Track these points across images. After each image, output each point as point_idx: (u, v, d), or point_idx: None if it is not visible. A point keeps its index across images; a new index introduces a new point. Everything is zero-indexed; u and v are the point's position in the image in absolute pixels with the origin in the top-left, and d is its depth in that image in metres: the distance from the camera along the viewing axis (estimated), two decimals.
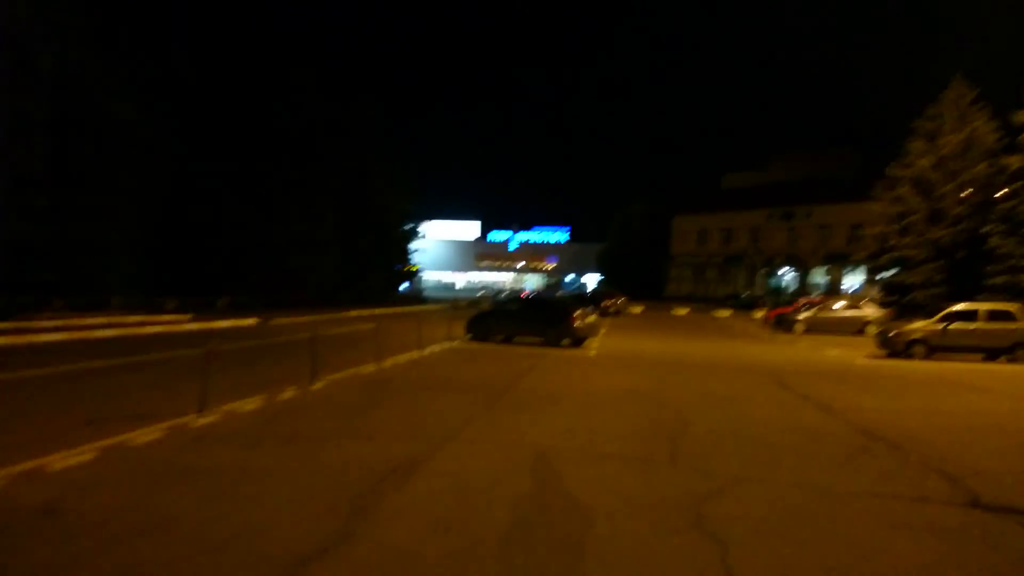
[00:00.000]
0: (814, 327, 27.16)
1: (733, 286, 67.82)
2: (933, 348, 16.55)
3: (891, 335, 17.07)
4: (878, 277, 35.02)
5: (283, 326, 23.55)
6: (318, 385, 10.37)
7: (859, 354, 18.27)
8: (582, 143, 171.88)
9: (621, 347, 18.72)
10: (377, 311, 37.76)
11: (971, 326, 16.38)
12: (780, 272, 67.47)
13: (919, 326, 16.81)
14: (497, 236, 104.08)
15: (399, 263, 54.08)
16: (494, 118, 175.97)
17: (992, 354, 16.59)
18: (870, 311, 27.67)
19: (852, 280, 62.62)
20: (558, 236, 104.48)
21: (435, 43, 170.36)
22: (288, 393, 9.61)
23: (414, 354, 15.59)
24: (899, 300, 31.18)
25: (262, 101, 36.78)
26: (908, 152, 32.34)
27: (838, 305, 28.60)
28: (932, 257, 30.69)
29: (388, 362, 13.71)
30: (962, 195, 29.97)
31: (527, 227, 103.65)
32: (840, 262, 62.44)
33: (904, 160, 32.48)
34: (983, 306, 16.74)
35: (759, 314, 41.69)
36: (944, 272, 30.12)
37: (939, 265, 30.38)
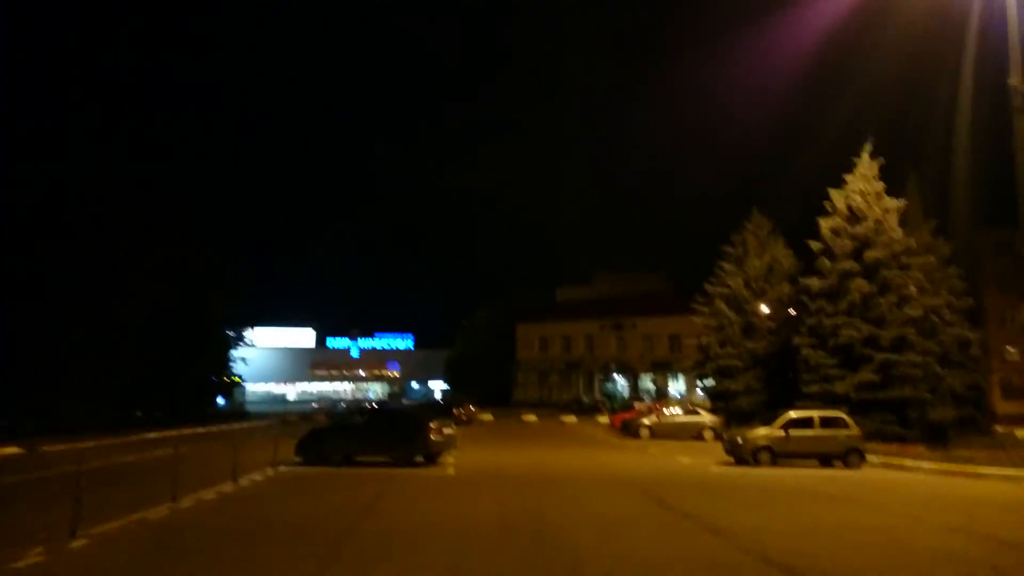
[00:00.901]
0: (658, 432, 27.63)
1: (575, 391, 69.91)
2: (776, 455, 16.95)
3: (739, 443, 17.31)
4: (702, 384, 37.31)
5: (58, 455, 18.85)
6: (77, 544, 7.50)
7: (709, 461, 18.30)
8: (424, 250, 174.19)
9: (480, 461, 17.08)
10: (184, 431, 32.55)
11: (809, 433, 17.11)
12: (614, 378, 71.06)
13: (763, 433, 17.25)
14: (336, 343, 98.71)
15: (217, 375, 48.13)
16: (333, 222, 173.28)
17: (826, 459, 17.33)
18: (706, 417, 28.86)
19: (676, 385, 67.44)
20: (401, 343, 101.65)
21: (269, 133, 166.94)
22: (30, 558, 6.76)
23: (227, 486, 12.70)
24: (726, 406, 33.09)
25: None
26: (721, 272, 35.79)
27: (675, 411, 29.59)
28: (750, 366, 33.31)
29: (188, 501, 10.83)
30: (768, 312, 33.34)
31: (368, 334, 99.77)
32: (664, 369, 67.36)
33: (718, 279, 35.85)
34: (816, 414, 17.69)
35: (603, 419, 42.46)
36: (762, 380, 32.66)
37: (757, 373, 32.97)
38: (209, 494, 11.74)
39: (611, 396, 67.65)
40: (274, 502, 10.88)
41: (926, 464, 17.19)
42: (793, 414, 17.59)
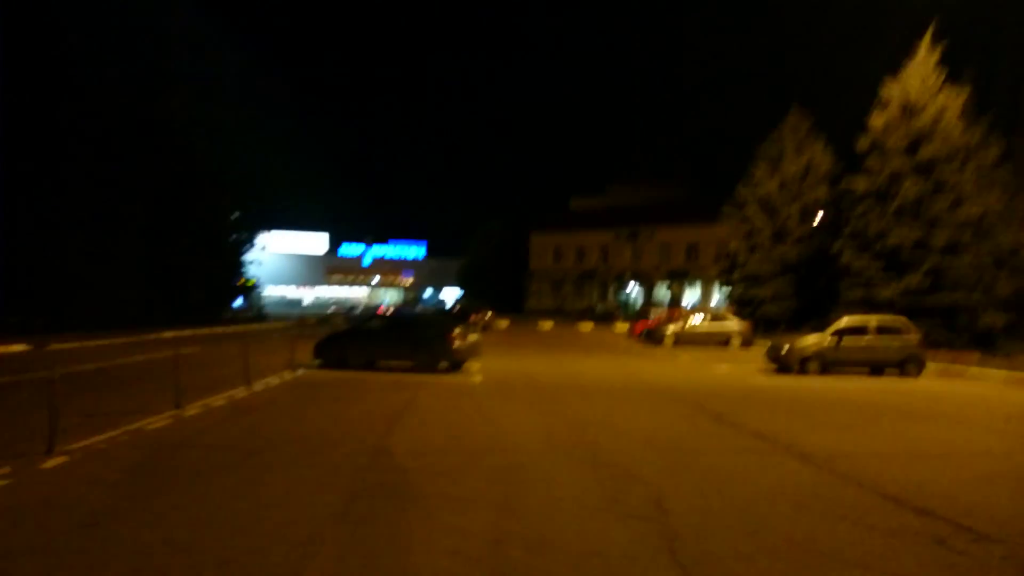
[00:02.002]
0: (682, 340, 26.63)
1: (588, 300, 69.35)
2: (827, 364, 15.78)
3: (784, 352, 16.10)
4: (727, 291, 35.98)
5: (63, 353, 18.06)
6: (52, 462, 6.40)
7: (748, 369, 17.22)
8: (436, 158, 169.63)
9: (507, 369, 16.05)
10: (200, 331, 32.01)
11: (862, 341, 15.83)
12: (628, 287, 70.18)
13: (812, 341, 16.00)
14: (349, 250, 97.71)
15: (232, 277, 47.43)
16: (344, 127, 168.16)
17: (878, 368, 16.15)
18: (733, 324, 27.69)
19: (692, 294, 66.50)
20: (414, 251, 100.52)
21: (277, 38, 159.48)
22: None
23: (239, 391, 11.71)
24: (752, 313, 31.91)
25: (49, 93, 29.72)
26: (753, 175, 33.50)
27: (698, 318, 28.38)
28: (780, 272, 31.79)
29: (194, 408, 9.80)
30: (806, 217, 31.36)
31: (382, 241, 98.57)
32: (681, 278, 66.18)
33: (750, 183, 33.61)
34: (872, 320, 16.32)
35: (621, 327, 41.66)
36: (793, 286, 31.26)
37: (787, 280, 31.52)
38: (219, 400, 10.75)
39: (625, 305, 67.04)
40: (289, 412, 9.82)
41: (992, 372, 15.97)
42: (848, 321, 16.24)
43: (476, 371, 15.58)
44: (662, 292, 67.48)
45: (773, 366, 16.89)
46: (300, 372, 14.88)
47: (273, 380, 13.48)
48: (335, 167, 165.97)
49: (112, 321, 31.06)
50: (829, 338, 15.87)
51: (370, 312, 40.83)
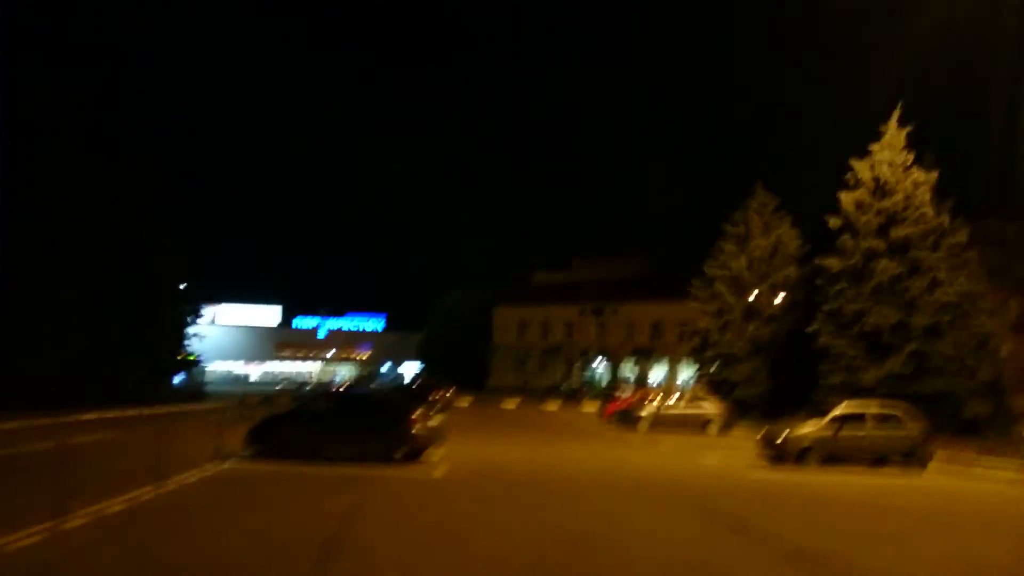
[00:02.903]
0: (658, 424, 24.95)
1: (552, 376, 67.64)
2: (826, 455, 14.32)
3: (780, 441, 14.62)
4: (702, 372, 34.82)
5: None
6: None
7: (740, 460, 15.61)
8: (397, 229, 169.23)
9: (472, 459, 14.06)
10: (128, 412, 28.89)
11: (861, 431, 14.51)
12: (594, 364, 68.99)
13: (808, 431, 14.60)
14: (303, 323, 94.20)
15: (170, 353, 44.15)
16: (299, 193, 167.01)
17: (878, 460, 14.74)
18: (710, 408, 26.26)
19: (657, 373, 65.54)
20: (373, 323, 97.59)
21: (229, 97, 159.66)
22: None
23: (145, 491, 9.47)
24: (727, 395, 30.67)
25: None
26: (720, 253, 33.21)
27: (673, 400, 26.95)
28: (752, 354, 30.89)
29: (78, 517, 7.61)
30: (776, 296, 30.86)
31: (339, 313, 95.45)
32: (646, 356, 65.36)
33: (718, 260, 33.26)
34: (871, 406, 15.10)
35: (588, 407, 39.83)
36: (766, 369, 30.29)
37: (759, 362, 30.59)
38: (116, 504, 8.53)
39: (591, 382, 65.45)
40: (197, 524, 7.71)
41: (999, 473, 14.70)
42: (843, 408, 14.96)
43: (438, 460, 13.57)
44: (628, 369, 66.39)
45: (765, 456, 15.33)
46: (228, 464, 12.61)
47: (192, 475, 11.22)
48: (289, 235, 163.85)
49: (34, 400, 27.73)
50: (827, 426, 14.50)
51: (322, 389, 37.99)
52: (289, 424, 13.75)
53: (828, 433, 14.39)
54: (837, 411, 14.82)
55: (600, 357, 67.30)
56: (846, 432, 14.41)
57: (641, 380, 63.56)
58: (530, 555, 6.56)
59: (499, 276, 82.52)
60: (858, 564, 6.47)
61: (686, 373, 61.70)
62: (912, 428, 14.74)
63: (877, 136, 24.36)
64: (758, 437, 15.92)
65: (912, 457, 14.48)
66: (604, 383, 64.47)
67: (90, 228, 33.90)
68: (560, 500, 9.64)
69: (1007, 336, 25.35)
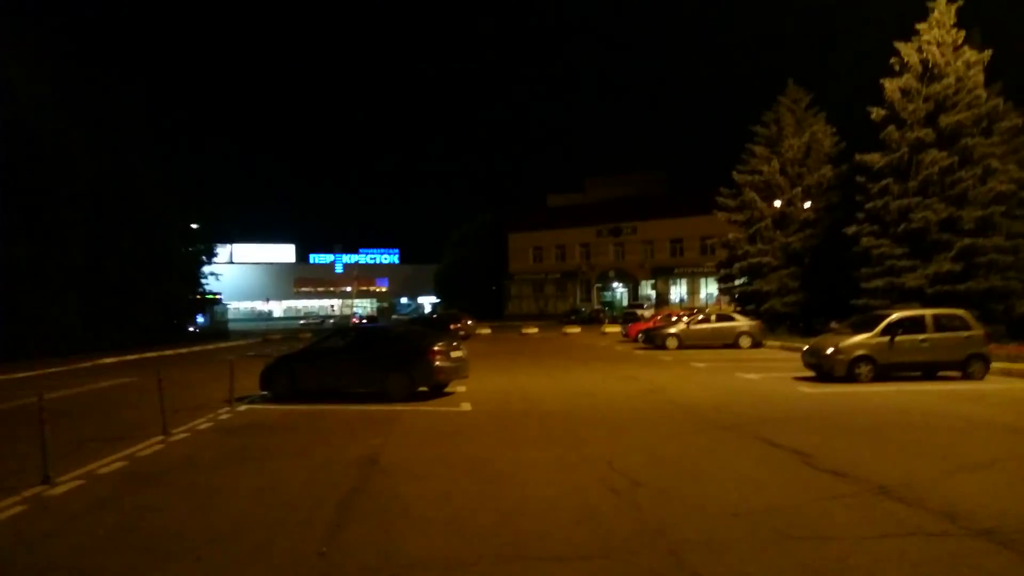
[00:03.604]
0: (686, 342, 24.09)
1: (571, 301, 66.83)
2: (880, 367, 13.24)
3: (828, 353, 13.52)
4: (727, 285, 33.55)
5: None
6: None
7: (782, 377, 14.63)
8: (405, 161, 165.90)
9: (499, 390, 13.23)
10: (147, 355, 28.63)
11: (919, 337, 13.33)
12: (613, 286, 67.99)
13: (860, 340, 13.44)
14: (319, 259, 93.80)
15: (189, 292, 43.87)
16: (308, 132, 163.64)
17: (932, 370, 13.66)
18: (742, 322, 25.22)
19: (678, 290, 64.41)
20: (388, 258, 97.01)
21: (237, 37, 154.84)
22: None
23: (150, 443, 8.73)
24: (756, 309, 29.55)
25: None
26: (749, 159, 31.17)
27: (701, 317, 25.93)
28: (784, 263, 29.48)
29: (70, 479, 6.83)
30: (809, 201, 29.07)
31: (352, 250, 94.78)
32: (666, 275, 64.04)
33: (747, 166, 31.26)
34: (928, 314, 13.84)
35: (609, 328, 39.08)
36: (799, 278, 28.95)
37: (793, 271, 29.20)
38: (115, 462, 7.79)
39: (610, 305, 64.63)
40: (202, 481, 6.87)
41: None
42: (898, 315, 13.73)
43: (464, 394, 12.75)
44: (648, 289, 65.26)
45: (809, 372, 14.33)
46: (242, 408, 11.89)
47: (202, 423, 10.49)
48: (300, 174, 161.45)
49: (49, 347, 27.53)
50: (879, 337, 13.33)
51: (344, 323, 37.35)
52: (305, 363, 12.93)
53: (884, 341, 13.24)
54: (893, 316, 13.61)
55: (618, 279, 66.16)
56: (901, 342, 13.25)
57: (662, 299, 62.58)
58: (575, 504, 5.61)
59: (512, 203, 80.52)
60: (958, 500, 5.43)
61: (709, 289, 60.62)
62: (974, 335, 13.53)
63: (908, 24, 21.92)
64: (804, 349, 14.84)
65: (972, 364, 13.35)
66: (624, 304, 63.69)
67: (93, 170, 32.90)
68: (603, 434, 8.70)
69: None
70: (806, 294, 28.55)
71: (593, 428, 9.08)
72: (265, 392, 12.84)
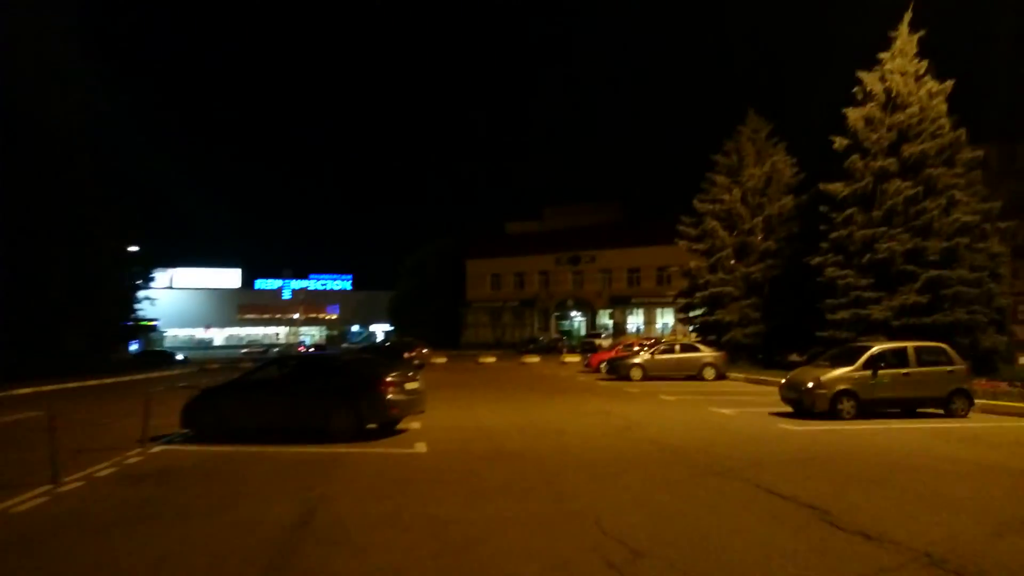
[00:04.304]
0: (651, 372, 23.24)
1: (529, 329, 65.81)
2: (863, 403, 12.46)
3: (810, 386, 12.69)
4: (687, 315, 33.02)
5: None
6: None
7: (757, 412, 13.76)
8: (357, 186, 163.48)
9: (458, 427, 11.86)
10: (67, 385, 26.06)
11: (902, 371, 12.66)
12: (571, 315, 67.43)
13: (842, 374, 12.68)
14: (266, 284, 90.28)
15: (121, 318, 40.96)
16: (256, 157, 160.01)
17: (913, 407, 12.98)
18: (707, 353, 24.54)
19: (635, 320, 64.20)
20: (339, 284, 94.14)
21: (187, 56, 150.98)
22: None
23: (32, 496, 7.09)
24: (717, 340, 29.01)
25: None
26: (710, 188, 31.01)
27: (663, 347, 25.22)
28: (745, 293, 29.14)
29: None
30: (770, 232, 28.95)
31: (302, 275, 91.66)
32: (623, 304, 63.83)
33: (708, 195, 31.07)
34: (911, 345, 13.21)
35: (569, 358, 38.10)
36: (761, 309, 28.59)
37: (753, 302, 28.85)
38: None
39: (568, 334, 63.86)
40: (78, 550, 5.32)
41: None
42: (879, 348, 13.06)
43: (419, 430, 11.34)
44: (604, 319, 64.85)
45: (785, 407, 13.48)
46: (156, 450, 10.19)
47: (104, 469, 8.80)
48: (246, 198, 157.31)
49: None
50: (862, 370, 12.60)
51: (274, 356, 34.95)
52: (233, 396, 11.31)
53: (866, 375, 12.50)
54: (875, 349, 12.91)
55: (576, 308, 65.58)
56: (885, 374, 12.55)
57: (619, 329, 62.20)
58: None
59: (469, 230, 79.47)
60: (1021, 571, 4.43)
61: (665, 319, 60.55)
62: (957, 369, 12.96)
63: (867, 56, 22.11)
64: (781, 382, 14.01)
65: (955, 400, 12.73)
66: (582, 333, 63.02)
67: (21, 188, 30.51)
68: (584, 482, 7.47)
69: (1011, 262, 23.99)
70: (767, 325, 28.17)
71: (571, 474, 7.85)
72: (187, 430, 11.16)
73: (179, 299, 77.64)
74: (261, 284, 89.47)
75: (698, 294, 30.68)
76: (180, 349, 58.35)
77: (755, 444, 9.93)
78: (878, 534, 5.33)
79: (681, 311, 33.93)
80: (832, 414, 12.39)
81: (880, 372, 12.55)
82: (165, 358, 47.06)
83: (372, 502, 6.71)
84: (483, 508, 6.33)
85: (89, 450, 10.06)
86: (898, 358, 12.82)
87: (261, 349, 62.40)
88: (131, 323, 43.87)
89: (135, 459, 9.48)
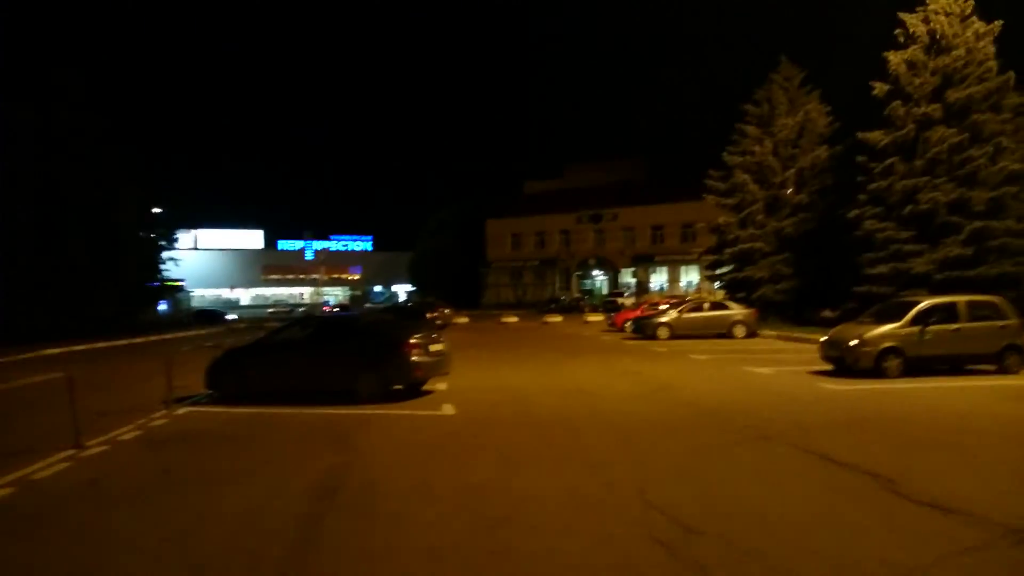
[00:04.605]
0: (678, 332, 22.69)
1: (550, 289, 65.29)
2: (910, 360, 11.87)
3: (852, 345, 12.10)
4: (718, 272, 32.23)
5: None
6: None
7: (796, 370, 13.24)
8: (377, 147, 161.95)
9: (485, 389, 11.53)
10: (97, 345, 26.34)
11: (951, 327, 11.99)
12: (593, 274, 66.71)
13: (888, 331, 12.06)
14: (288, 245, 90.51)
15: (148, 278, 41.30)
16: (281, 120, 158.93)
17: (962, 363, 12.35)
18: (736, 310, 23.89)
19: (657, 279, 63.29)
20: (360, 245, 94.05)
21: (209, 20, 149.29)
22: None
23: (50, 464, 6.91)
24: (747, 297, 28.28)
25: None
26: (740, 139, 29.78)
27: (691, 304, 24.63)
28: (776, 249, 28.22)
29: None
30: (803, 184, 27.81)
31: (323, 236, 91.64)
32: (646, 263, 62.84)
33: (738, 146, 29.87)
34: (961, 301, 12.50)
35: (592, 317, 37.65)
36: (793, 264, 27.70)
37: (785, 257, 27.95)
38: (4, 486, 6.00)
39: (590, 293, 63.26)
40: (96, 522, 5.09)
41: None
42: (927, 303, 12.38)
43: (445, 392, 11.05)
44: (627, 278, 64.03)
45: (825, 365, 12.94)
46: (181, 411, 10.04)
47: (128, 432, 8.64)
48: (271, 158, 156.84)
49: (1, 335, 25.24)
50: (909, 327, 11.96)
51: (297, 316, 34.99)
52: (257, 358, 11.10)
53: (914, 331, 11.87)
54: (923, 304, 12.24)
55: (598, 267, 64.74)
56: (933, 330, 11.91)
57: (643, 287, 61.38)
58: (621, 561, 3.98)
59: (490, 190, 78.35)
60: None
61: (689, 278, 59.60)
62: (1011, 319, 12.26)
63: (895, 8, 20.62)
64: (822, 339, 13.41)
65: (1008, 356, 12.06)
66: (604, 292, 62.32)
67: (39, 149, 30.53)
68: (620, 448, 7.09)
69: None
70: (799, 281, 27.34)
71: (605, 440, 7.46)
72: (211, 392, 11.00)
73: (204, 260, 78.31)
74: (283, 245, 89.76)
75: (727, 250, 29.87)
76: (210, 309, 59.11)
77: (799, 405, 9.45)
78: (953, 506, 4.86)
79: (708, 268, 33.15)
80: (877, 372, 11.83)
81: (928, 328, 11.90)
82: (216, 317, 48.96)
83: (401, 469, 6.40)
84: (517, 477, 5.98)
85: (115, 412, 9.95)
86: (948, 313, 12.13)
87: (287, 309, 62.93)
88: (157, 284, 44.24)
89: (160, 421, 9.33)
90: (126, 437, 8.37)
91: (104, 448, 7.75)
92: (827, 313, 26.80)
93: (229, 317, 48.88)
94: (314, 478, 6.10)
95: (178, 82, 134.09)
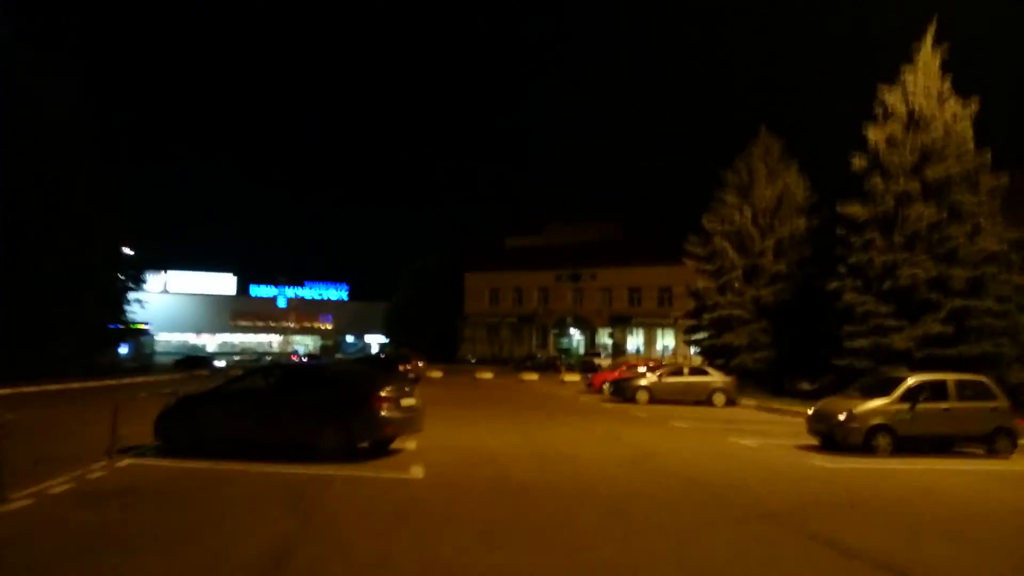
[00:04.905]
0: (657, 395, 22.19)
1: (527, 346, 64.67)
2: (899, 438, 11.46)
3: (842, 419, 11.69)
4: (696, 337, 32.03)
5: None
6: None
7: (782, 444, 12.73)
8: (357, 193, 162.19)
9: (458, 449, 10.78)
10: (49, 387, 24.89)
11: (942, 406, 11.67)
12: (570, 332, 66.40)
13: (877, 407, 11.68)
14: (260, 291, 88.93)
15: (110, 319, 39.71)
16: (254, 164, 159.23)
17: (950, 444, 11.99)
18: (716, 377, 23.52)
19: (635, 340, 63.18)
20: (336, 293, 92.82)
21: (185, 60, 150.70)
22: None
23: None
24: (725, 364, 27.99)
25: None
26: (719, 206, 30.20)
27: (670, 369, 24.26)
28: (755, 317, 28.18)
29: None
30: (780, 254, 28.09)
31: (297, 283, 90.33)
32: (623, 324, 62.80)
33: (717, 213, 30.25)
34: (951, 377, 12.25)
35: (569, 377, 37.02)
36: (770, 333, 27.61)
37: (763, 326, 27.88)
38: None
39: (567, 351, 62.75)
40: None
41: None
42: (915, 379, 12.07)
43: (412, 454, 10.28)
44: (604, 338, 63.79)
45: (811, 439, 12.48)
46: (123, 463, 9.12)
47: (60, 484, 7.73)
48: (243, 204, 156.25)
49: None
50: (899, 403, 11.61)
51: (262, 365, 33.87)
52: (213, 406, 10.25)
53: (903, 408, 11.51)
54: (912, 381, 11.93)
55: (575, 326, 64.47)
56: (924, 408, 11.57)
57: (619, 349, 61.08)
58: None
59: (469, 243, 78.31)
60: None
61: (666, 341, 59.53)
62: (1000, 404, 11.99)
63: (881, 73, 21.45)
64: (809, 412, 12.98)
65: (999, 438, 11.75)
66: (581, 352, 61.85)
67: (11, 185, 29.60)
68: (607, 523, 6.44)
69: None
70: (777, 350, 27.18)
71: (591, 513, 6.81)
72: (160, 443, 10.09)
73: (172, 303, 76.38)
74: (256, 291, 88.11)
75: (705, 315, 29.74)
76: (172, 355, 57.13)
77: (792, 483, 8.90)
78: None
79: (687, 332, 32.93)
80: (867, 449, 11.38)
81: (919, 406, 11.56)
82: (202, 363, 47.16)
83: (360, 540, 5.67)
84: (492, 554, 5.30)
85: (51, 459, 9.01)
86: (937, 391, 11.84)
87: (253, 357, 61.19)
88: (120, 326, 42.60)
89: (97, 474, 8.43)
90: (56, 490, 7.47)
91: (28, 503, 6.88)
92: (805, 385, 26.57)
93: (219, 364, 47.05)
94: (260, 547, 5.34)
95: (155, 121, 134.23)
